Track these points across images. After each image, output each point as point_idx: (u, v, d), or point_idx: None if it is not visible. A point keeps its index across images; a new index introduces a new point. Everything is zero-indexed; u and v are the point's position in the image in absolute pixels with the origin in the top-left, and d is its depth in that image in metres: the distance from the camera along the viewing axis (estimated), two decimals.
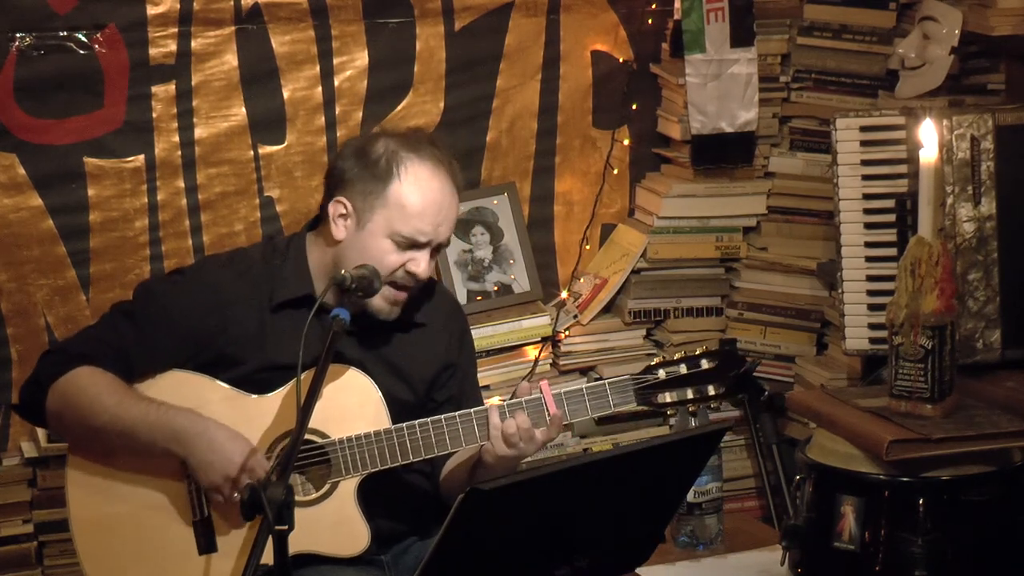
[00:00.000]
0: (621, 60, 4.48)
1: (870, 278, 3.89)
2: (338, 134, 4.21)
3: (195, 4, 4.04)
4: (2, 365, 4.03)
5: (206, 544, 3.05)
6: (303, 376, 2.84)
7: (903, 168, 3.84)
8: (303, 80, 4.19)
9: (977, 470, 3.32)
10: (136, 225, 4.09)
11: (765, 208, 4.49)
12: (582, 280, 4.51)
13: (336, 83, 4.22)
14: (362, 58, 4.23)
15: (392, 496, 3.13)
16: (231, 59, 4.11)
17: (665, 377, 3.09)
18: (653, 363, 3.11)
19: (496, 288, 4.39)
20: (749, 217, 4.49)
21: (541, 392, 3.05)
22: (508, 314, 4.34)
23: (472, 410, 3.05)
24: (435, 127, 4.24)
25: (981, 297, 3.75)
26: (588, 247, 4.54)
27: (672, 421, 4.06)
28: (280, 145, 4.20)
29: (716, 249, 4.49)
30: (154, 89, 4.06)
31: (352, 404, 3.06)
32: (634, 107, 4.51)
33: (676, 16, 4.34)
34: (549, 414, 3.03)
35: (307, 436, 2.99)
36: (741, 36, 4.34)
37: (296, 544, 2.66)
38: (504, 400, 3.08)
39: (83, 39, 3.97)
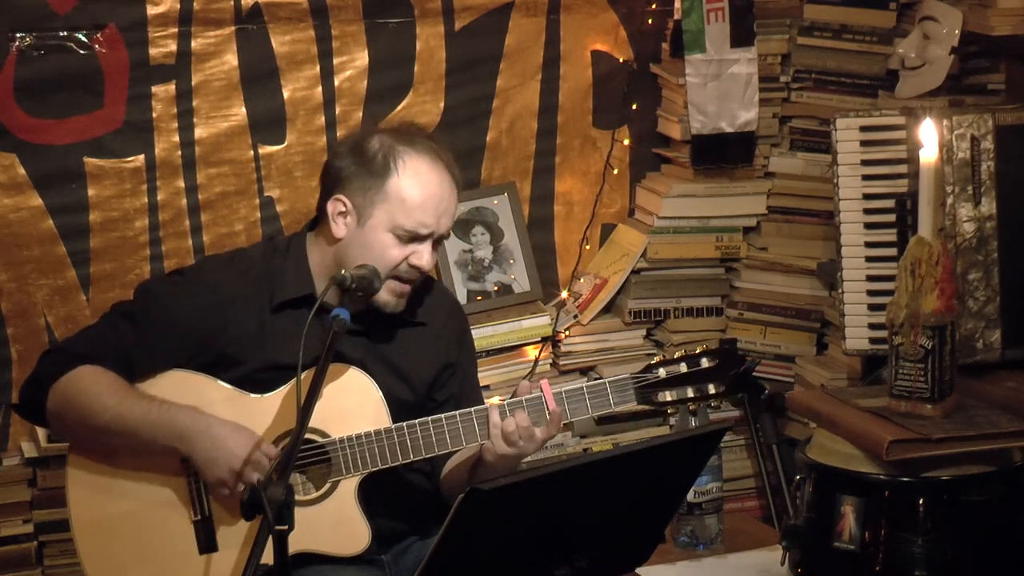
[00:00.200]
0: (621, 60, 4.48)
1: (870, 278, 3.89)
2: (338, 134, 4.20)
3: (195, 4, 4.04)
4: (2, 365, 4.03)
5: (207, 543, 3.05)
6: (303, 376, 2.84)
7: (903, 168, 3.84)
8: (303, 80, 4.19)
9: (977, 470, 3.31)
10: (136, 225, 4.09)
11: (765, 208, 4.49)
12: (582, 280, 4.51)
13: (336, 83, 4.22)
14: (362, 58, 4.23)
15: (392, 495, 3.13)
16: (231, 59, 4.11)
17: (665, 376, 3.09)
18: (653, 362, 3.12)
19: (496, 288, 4.39)
20: (749, 217, 4.49)
21: (541, 391, 3.05)
22: (508, 314, 4.34)
23: (472, 409, 3.05)
24: (435, 127, 4.24)
25: (981, 297, 3.75)
26: (588, 247, 4.54)
27: (672, 421, 4.06)
28: (280, 145, 4.20)
29: (716, 249, 4.49)
30: (154, 89, 4.06)
31: (352, 404, 3.06)
32: (634, 107, 4.51)
33: (676, 16, 4.34)
34: (549, 411, 3.04)
35: (307, 435, 2.99)
36: (741, 36, 4.34)
37: (296, 543, 2.66)
38: (504, 399, 3.08)
39: (83, 39, 3.97)
